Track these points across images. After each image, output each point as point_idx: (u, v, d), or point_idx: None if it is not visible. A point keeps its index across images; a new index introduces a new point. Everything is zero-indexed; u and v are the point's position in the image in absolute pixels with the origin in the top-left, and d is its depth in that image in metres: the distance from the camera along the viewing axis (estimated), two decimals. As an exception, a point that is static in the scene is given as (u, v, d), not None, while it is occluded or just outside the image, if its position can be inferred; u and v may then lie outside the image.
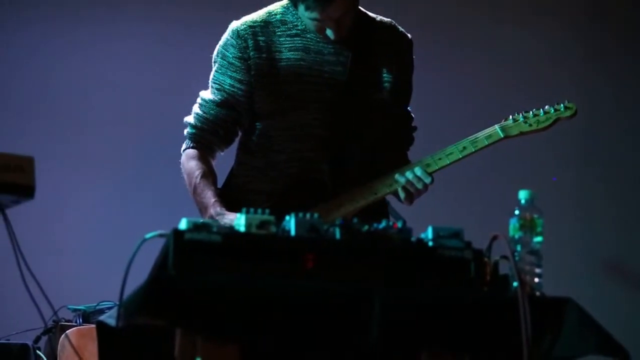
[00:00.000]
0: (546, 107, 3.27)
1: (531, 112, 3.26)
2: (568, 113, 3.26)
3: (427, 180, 3.20)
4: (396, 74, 3.34)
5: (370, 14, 3.39)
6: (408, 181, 3.20)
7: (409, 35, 3.42)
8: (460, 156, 3.22)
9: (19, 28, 5.43)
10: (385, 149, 3.37)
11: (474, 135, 3.24)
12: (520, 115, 3.25)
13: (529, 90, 5.72)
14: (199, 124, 3.34)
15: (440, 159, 3.23)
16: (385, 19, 3.42)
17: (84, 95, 5.42)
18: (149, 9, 5.52)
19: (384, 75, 3.34)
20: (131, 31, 5.51)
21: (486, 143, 3.23)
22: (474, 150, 3.22)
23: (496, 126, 3.24)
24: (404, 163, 3.33)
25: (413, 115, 3.49)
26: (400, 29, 3.42)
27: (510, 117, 3.26)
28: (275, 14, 3.31)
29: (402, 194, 3.22)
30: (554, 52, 5.95)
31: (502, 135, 3.24)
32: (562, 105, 3.27)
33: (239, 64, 3.28)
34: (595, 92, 5.92)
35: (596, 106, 5.86)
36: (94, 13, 5.48)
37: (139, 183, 5.35)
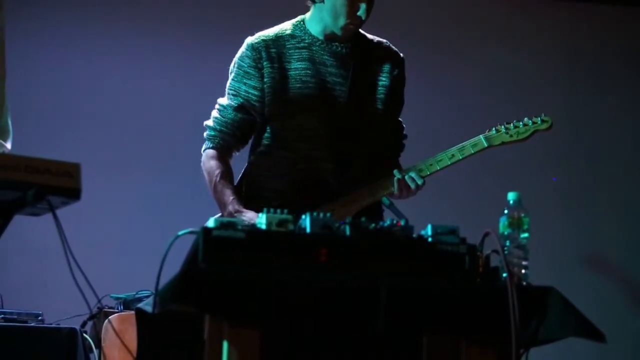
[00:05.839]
0: (525, 119, 3.47)
1: (512, 124, 3.47)
2: (544, 126, 3.48)
3: (420, 181, 3.42)
4: (390, 88, 3.55)
5: (367, 35, 3.58)
6: (403, 179, 3.41)
7: (401, 54, 3.62)
8: (449, 163, 3.44)
9: (68, 41, 5.65)
10: (380, 155, 3.57)
11: (461, 144, 3.45)
12: (502, 126, 3.46)
13: (519, 94, 5.86)
14: (217, 127, 3.54)
15: (431, 164, 3.44)
16: (381, 39, 3.61)
17: (125, 107, 5.65)
18: (184, 26, 5.76)
19: (379, 88, 3.55)
20: (171, 46, 5.73)
21: (472, 151, 3.44)
22: (461, 157, 3.44)
23: (481, 136, 3.46)
24: (396, 168, 3.52)
25: (404, 125, 3.70)
26: (394, 48, 3.62)
27: (494, 128, 3.46)
28: (286, 30, 3.54)
29: (396, 187, 3.42)
30: (538, 55, 6.10)
31: (485, 145, 3.44)
32: (539, 118, 3.48)
33: (253, 73, 3.50)
34: (577, 94, 6.03)
35: (578, 108, 6.01)
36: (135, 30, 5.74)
37: (171, 184, 5.53)
